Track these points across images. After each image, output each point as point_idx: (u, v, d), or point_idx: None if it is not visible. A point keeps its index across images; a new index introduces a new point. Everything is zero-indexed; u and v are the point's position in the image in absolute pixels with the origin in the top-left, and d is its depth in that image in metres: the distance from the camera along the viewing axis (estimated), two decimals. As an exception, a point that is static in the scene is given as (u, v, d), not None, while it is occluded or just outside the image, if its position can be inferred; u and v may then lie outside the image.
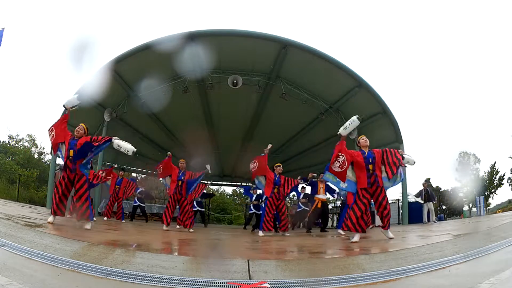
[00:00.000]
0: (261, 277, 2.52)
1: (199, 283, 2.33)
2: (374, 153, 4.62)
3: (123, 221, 8.87)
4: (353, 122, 4.56)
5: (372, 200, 4.58)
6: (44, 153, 19.83)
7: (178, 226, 7.30)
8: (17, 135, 19.83)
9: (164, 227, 6.52)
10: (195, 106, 12.47)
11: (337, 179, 4.69)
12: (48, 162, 17.18)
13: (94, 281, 2.30)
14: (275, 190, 6.51)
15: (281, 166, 6.85)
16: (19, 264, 2.42)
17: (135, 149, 4.67)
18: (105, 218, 8.79)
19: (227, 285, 2.34)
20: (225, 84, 10.50)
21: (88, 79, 9.97)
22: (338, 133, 4.64)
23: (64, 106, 4.76)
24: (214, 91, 11.15)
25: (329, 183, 7.74)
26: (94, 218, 4.66)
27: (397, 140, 11.62)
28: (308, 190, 9.02)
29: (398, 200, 13.32)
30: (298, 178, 7.10)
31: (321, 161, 14.52)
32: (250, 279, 2.50)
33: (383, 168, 4.58)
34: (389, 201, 10.09)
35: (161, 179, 7.53)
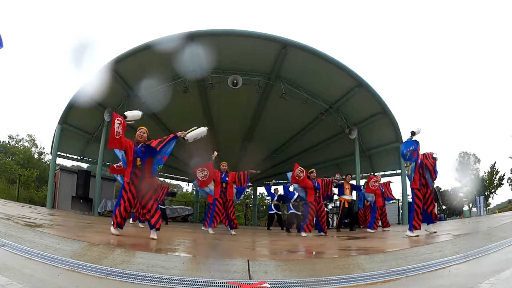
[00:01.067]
0: (261, 277, 2.52)
1: (199, 283, 2.33)
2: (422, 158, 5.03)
3: (132, 222, 8.70)
4: None
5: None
6: (44, 153, 19.85)
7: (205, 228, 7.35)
8: (17, 135, 19.84)
9: (210, 231, 6.61)
10: (195, 106, 12.47)
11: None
12: (48, 162, 17.19)
13: (94, 281, 2.30)
14: (317, 195, 6.68)
15: (314, 171, 6.94)
16: (19, 264, 2.41)
17: (205, 128, 4.56)
18: (141, 225, 8.61)
19: (227, 285, 2.33)
20: (225, 84, 10.50)
21: (88, 79, 9.98)
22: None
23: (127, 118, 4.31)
24: (214, 91, 11.16)
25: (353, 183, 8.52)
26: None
27: (397, 140, 11.62)
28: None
29: (398, 200, 13.33)
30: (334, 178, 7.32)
31: (322, 160, 14.53)
32: (250, 279, 2.50)
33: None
34: (389, 201, 10.13)
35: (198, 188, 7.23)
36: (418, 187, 4.91)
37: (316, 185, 6.69)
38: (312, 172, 6.86)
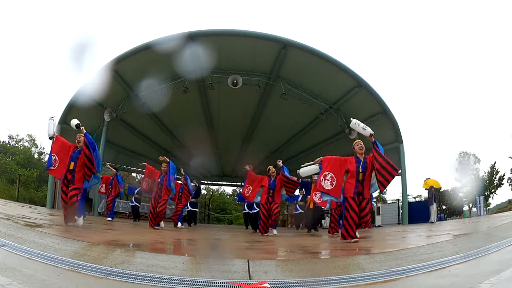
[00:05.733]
0: (261, 277, 2.52)
1: (199, 283, 2.34)
2: (367, 161, 4.58)
3: (109, 218, 8.61)
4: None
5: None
6: (44, 153, 19.81)
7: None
8: (17, 135, 19.80)
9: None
10: (195, 106, 12.47)
11: (333, 196, 4.68)
12: (48, 162, 17.16)
13: (94, 281, 2.30)
14: (270, 194, 6.56)
15: (271, 167, 6.82)
16: (19, 264, 2.42)
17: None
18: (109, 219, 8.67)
19: (227, 285, 2.34)
20: (225, 84, 10.50)
21: (88, 79, 9.98)
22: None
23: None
24: (214, 91, 11.15)
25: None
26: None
27: (397, 140, 11.62)
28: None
29: (398, 200, 13.32)
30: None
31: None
32: (250, 279, 2.50)
33: (373, 175, 4.49)
34: (389, 201, 10.14)
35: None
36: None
37: (271, 182, 6.57)
38: (269, 170, 6.77)
